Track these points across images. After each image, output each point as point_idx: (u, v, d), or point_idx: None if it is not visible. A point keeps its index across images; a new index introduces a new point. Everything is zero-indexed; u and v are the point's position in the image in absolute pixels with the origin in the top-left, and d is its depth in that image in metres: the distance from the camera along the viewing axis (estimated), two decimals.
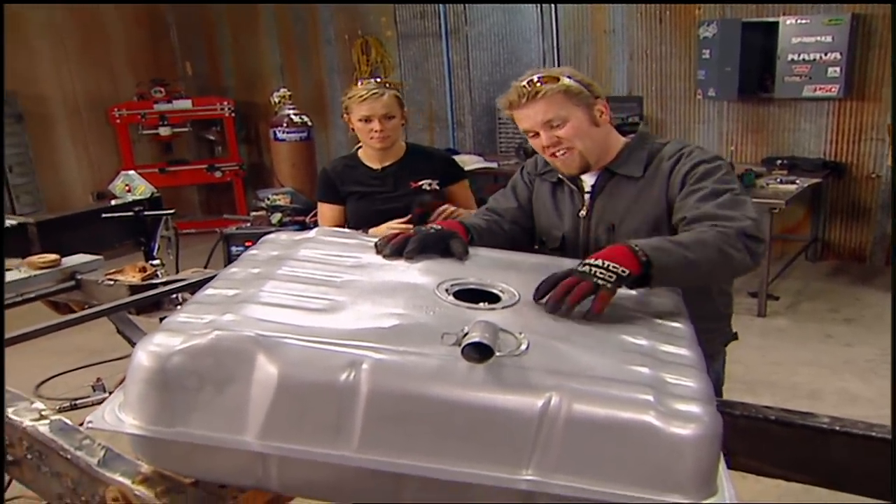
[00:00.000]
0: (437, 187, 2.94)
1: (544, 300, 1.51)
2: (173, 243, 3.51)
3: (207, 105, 8.57)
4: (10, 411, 1.53)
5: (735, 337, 2.25)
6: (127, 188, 3.50)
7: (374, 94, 2.80)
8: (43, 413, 1.54)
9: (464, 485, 1.19)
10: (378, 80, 2.92)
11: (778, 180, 5.67)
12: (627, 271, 1.56)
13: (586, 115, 1.99)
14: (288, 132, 7.16)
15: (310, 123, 7.47)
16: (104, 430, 1.29)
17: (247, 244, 4.45)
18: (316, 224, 3.24)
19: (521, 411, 1.19)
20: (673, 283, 1.69)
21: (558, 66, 7.03)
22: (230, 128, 8.69)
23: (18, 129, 7.46)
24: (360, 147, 3.04)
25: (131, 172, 3.68)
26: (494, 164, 7.03)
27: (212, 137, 8.97)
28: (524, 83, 1.98)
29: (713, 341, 2.09)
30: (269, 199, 4.92)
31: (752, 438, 1.82)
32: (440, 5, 7.64)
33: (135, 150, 8.54)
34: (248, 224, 4.82)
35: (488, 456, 1.19)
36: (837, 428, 1.75)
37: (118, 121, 8.30)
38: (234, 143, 8.74)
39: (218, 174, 8.44)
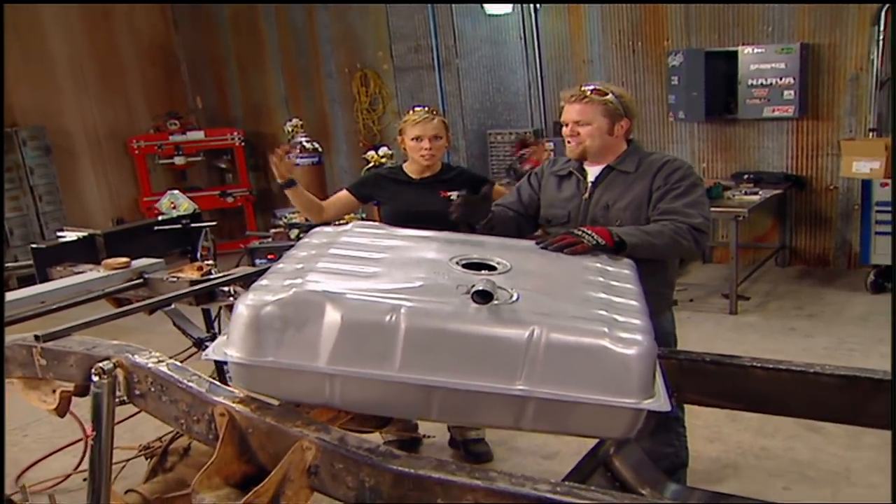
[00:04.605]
0: None
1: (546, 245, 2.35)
2: (212, 251, 4.05)
3: (219, 135, 9.10)
4: (135, 358, 2.01)
5: (674, 302, 3.02)
6: (172, 205, 4.06)
7: (425, 118, 3.44)
8: (160, 358, 2.04)
9: (475, 392, 1.67)
10: (427, 108, 3.55)
11: (743, 192, 6.26)
12: (604, 242, 2.37)
13: (607, 126, 2.77)
14: (301, 157, 7.68)
15: (320, 149, 8.00)
16: (217, 360, 1.82)
17: (269, 257, 5.00)
18: None
19: (513, 339, 1.66)
20: (636, 255, 2.42)
21: (542, 93, 7.64)
22: (240, 156, 9.18)
23: (47, 161, 7.96)
24: (405, 161, 3.64)
25: (175, 192, 4.25)
26: None
27: (223, 166, 9.47)
28: (582, 87, 2.80)
29: (662, 301, 2.81)
30: (286, 217, 5.49)
31: (693, 377, 2.36)
32: (433, 40, 8.14)
33: (151, 179, 9.08)
34: (270, 239, 5.37)
35: (491, 372, 1.66)
36: (756, 364, 2.31)
37: (137, 151, 8.85)
38: (244, 170, 9.24)
39: (230, 199, 8.93)
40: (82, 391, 2.18)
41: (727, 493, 2.70)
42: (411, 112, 3.51)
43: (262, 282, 1.89)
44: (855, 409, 2.18)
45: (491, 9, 7.77)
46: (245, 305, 1.74)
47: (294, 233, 5.27)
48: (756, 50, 6.50)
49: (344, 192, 3.72)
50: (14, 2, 7.62)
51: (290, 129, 7.90)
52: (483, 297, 1.71)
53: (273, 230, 5.55)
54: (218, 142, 9.12)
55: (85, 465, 3.11)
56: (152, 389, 1.98)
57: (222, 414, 1.81)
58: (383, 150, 5.60)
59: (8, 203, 7.64)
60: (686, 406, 2.98)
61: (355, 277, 1.89)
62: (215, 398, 1.85)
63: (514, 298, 1.80)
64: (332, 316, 1.68)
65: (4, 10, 6.74)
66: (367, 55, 8.71)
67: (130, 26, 9.20)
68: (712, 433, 3.87)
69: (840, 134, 6.47)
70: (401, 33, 8.39)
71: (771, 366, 2.29)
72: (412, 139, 3.45)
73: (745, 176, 6.68)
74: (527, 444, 3.83)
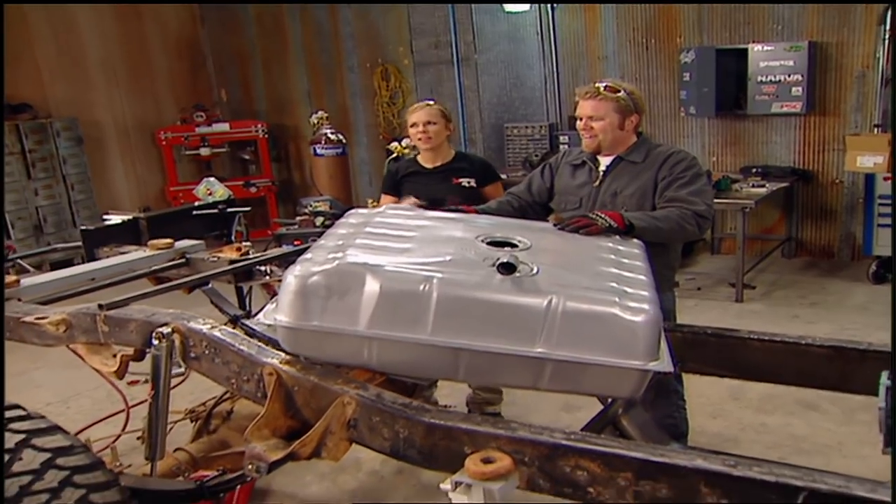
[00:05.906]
0: (475, 185, 3.81)
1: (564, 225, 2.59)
2: (245, 235, 4.30)
3: (244, 127, 9.34)
4: (191, 324, 2.22)
5: (676, 283, 3.29)
6: (208, 192, 4.31)
7: (419, 106, 3.80)
8: (214, 324, 2.25)
9: (498, 354, 1.86)
10: (432, 101, 3.85)
11: (751, 185, 6.46)
12: (616, 225, 2.59)
13: (618, 121, 3.01)
14: (326, 148, 7.99)
15: (344, 141, 8.24)
16: (267, 324, 2.04)
17: (296, 242, 5.19)
18: None
19: (533, 307, 1.84)
20: (645, 238, 2.65)
21: (558, 88, 7.83)
22: (264, 148, 9.42)
23: (78, 152, 8.23)
24: (417, 153, 3.94)
25: (212, 179, 4.50)
26: (504, 176, 7.77)
27: (247, 157, 9.71)
28: (596, 84, 3.04)
29: (664, 281, 2.98)
30: (311, 205, 5.69)
31: (696, 348, 2.57)
32: (453, 37, 8.37)
33: (177, 169, 9.35)
34: (297, 226, 5.58)
35: (513, 336, 1.84)
36: (753, 336, 2.51)
37: (164, 142, 9.12)
38: (267, 161, 9.48)
39: (253, 189, 9.14)
40: (140, 355, 2.41)
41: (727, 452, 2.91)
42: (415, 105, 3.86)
43: (308, 255, 2.09)
44: (842, 376, 2.39)
45: (509, 6, 7.97)
46: (294, 276, 1.94)
47: (319, 220, 5.48)
48: (766, 48, 6.68)
49: (386, 197, 3.97)
50: (15, 1, 7.85)
51: (315, 121, 8.14)
52: (507, 268, 1.91)
53: (299, 217, 5.76)
54: (242, 133, 9.36)
55: (130, 428, 3.39)
56: (206, 352, 2.18)
57: (270, 373, 2.01)
58: (406, 142, 5.83)
59: (42, 191, 7.93)
60: (692, 384, 3.22)
61: (390, 252, 2.09)
62: (264, 359, 2.05)
63: (535, 271, 1.99)
64: (372, 285, 1.88)
65: (4, 10, 6.98)
66: (388, 51, 8.91)
67: (159, 23, 9.47)
68: (715, 410, 4.10)
69: (846, 130, 6.64)
70: (421, 29, 8.60)
71: (766, 337, 2.49)
72: (410, 126, 3.80)
73: (754, 169, 6.85)
74: (541, 419, 4.05)
